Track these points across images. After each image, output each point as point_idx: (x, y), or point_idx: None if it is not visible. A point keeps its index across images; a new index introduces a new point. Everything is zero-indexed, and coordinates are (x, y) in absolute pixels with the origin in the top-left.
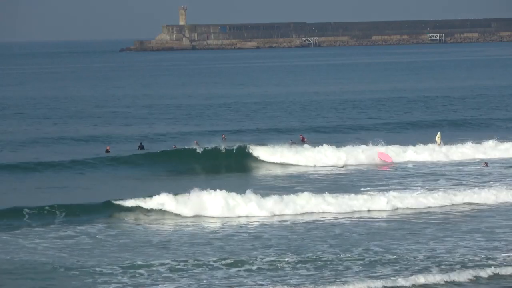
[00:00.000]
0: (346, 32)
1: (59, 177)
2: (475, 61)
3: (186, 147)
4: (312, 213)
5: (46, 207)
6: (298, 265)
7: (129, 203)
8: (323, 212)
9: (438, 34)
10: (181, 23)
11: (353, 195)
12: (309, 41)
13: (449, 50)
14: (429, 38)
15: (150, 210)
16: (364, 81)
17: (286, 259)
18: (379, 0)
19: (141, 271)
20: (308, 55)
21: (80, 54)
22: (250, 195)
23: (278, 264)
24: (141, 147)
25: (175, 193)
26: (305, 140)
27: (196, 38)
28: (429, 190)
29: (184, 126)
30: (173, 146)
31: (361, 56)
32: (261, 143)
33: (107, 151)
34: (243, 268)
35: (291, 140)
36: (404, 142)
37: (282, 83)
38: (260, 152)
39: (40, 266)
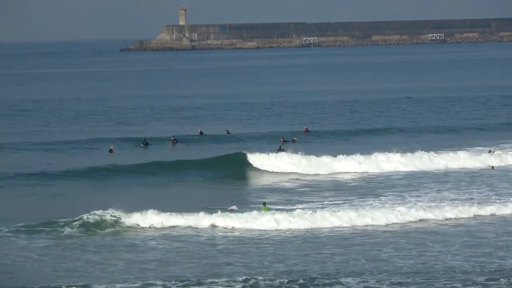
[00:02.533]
0: (346, 32)
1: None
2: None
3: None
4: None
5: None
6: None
7: (127, 218)
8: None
9: (438, 34)
10: (181, 23)
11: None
12: (309, 41)
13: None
14: (429, 38)
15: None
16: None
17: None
18: (379, 0)
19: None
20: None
21: (80, 54)
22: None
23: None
24: (145, 143)
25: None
26: (304, 133)
27: (196, 38)
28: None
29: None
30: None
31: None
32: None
33: (110, 150)
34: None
35: (282, 139)
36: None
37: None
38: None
39: None
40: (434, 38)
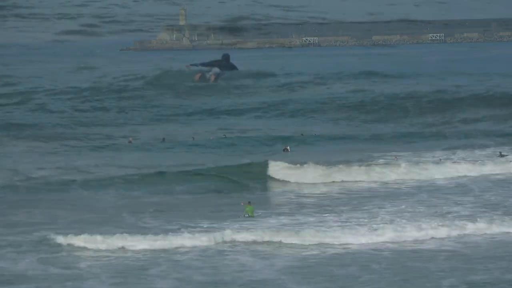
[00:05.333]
0: (346, 32)
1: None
2: None
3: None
4: None
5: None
6: None
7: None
8: None
9: (438, 34)
10: (181, 23)
11: None
12: (309, 41)
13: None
14: (429, 38)
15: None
16: None
17: None
18: (379, 0)
19: None
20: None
21: (81, 54)
22: None
23: None
24: (163, 140)
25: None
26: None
27: (196, 38)
28: None
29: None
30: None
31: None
32: None
33: (129, 142)
34: None
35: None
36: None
37: None
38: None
39: None
40: (434, 38)
